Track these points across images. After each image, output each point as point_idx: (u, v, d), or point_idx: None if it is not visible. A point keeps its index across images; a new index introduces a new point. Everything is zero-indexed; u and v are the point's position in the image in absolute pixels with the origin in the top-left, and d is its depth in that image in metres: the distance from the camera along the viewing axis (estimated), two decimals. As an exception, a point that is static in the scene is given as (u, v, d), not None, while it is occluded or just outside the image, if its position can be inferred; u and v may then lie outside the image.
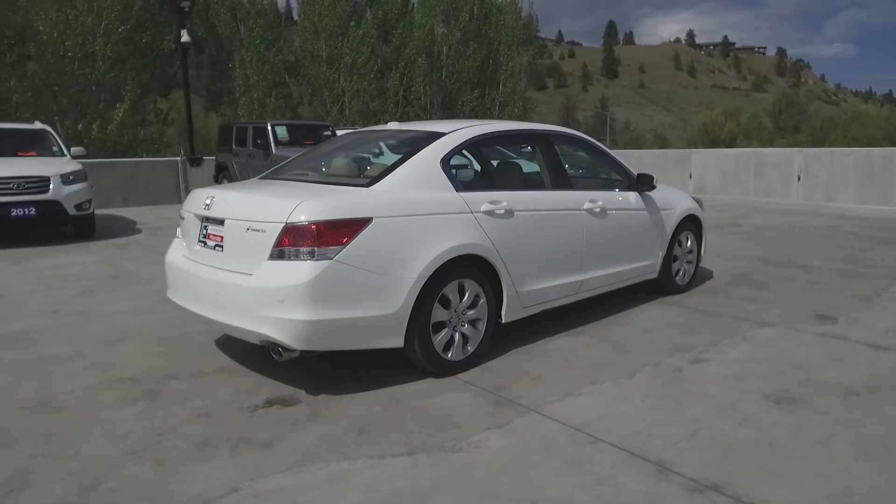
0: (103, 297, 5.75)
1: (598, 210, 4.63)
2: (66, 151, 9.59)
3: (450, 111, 35.69)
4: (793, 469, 2.68)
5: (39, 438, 3.00)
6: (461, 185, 3.84)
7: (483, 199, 3.86)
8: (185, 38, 13.81)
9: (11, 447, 2.91)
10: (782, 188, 14.08)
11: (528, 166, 4.83)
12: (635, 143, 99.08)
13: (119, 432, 3.06)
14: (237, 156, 13.06)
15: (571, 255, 4.46)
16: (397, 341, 3.46)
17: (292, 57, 32.70)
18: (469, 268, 3.77)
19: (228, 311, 3.36)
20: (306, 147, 12.38)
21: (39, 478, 2.65)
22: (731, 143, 70.19)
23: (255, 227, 3.29)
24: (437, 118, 35.45)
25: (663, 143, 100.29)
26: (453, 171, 3.91)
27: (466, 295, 3.77)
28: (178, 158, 14.17)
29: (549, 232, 4.26)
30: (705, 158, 15.92)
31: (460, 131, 4.05)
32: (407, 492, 2.53)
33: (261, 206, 3.35)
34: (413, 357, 3.61)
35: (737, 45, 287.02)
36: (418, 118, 35.64)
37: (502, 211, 3.94)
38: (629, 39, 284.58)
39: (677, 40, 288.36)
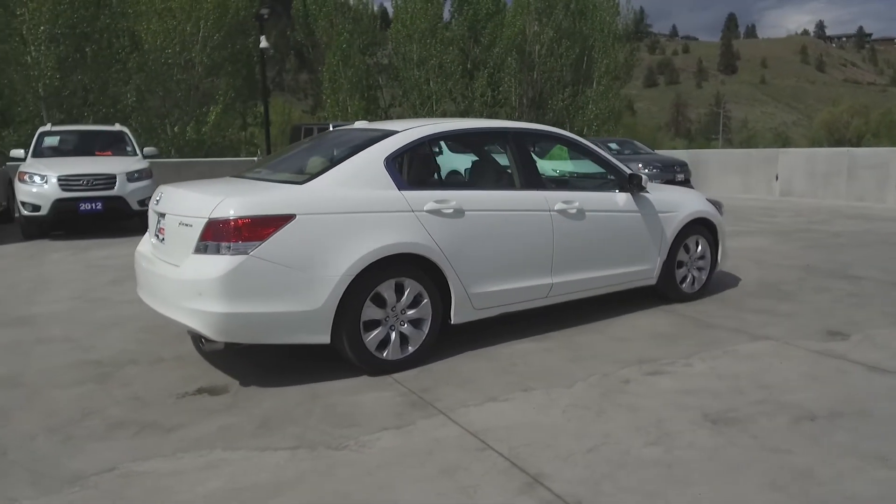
0: (127, 286, 6.19)
1: (573, 211, 4.44)
2: (138, 151, 10.40)
3: (540, 111, 35.28)
4: (675, 494, 2.47)
5: (-15, 410, 3.30)
6: (406, 184, 3.82)
7: (428, 198, 3.81)
8: (263, 44, 14.59)
9: (-43, 416, 3.23)
10: (877, 192, 12.80)
11: (493, 166, 4.70)
12: (752, 143, 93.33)
13: (52, 409, 3.31)
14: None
15: (537, 257, 4.30)
16: (323, 338, 3.50)
17: (386, 60, 33.64)
18: (410, 267, 3.74)
19: (163, 301, 3.55)
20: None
21: (-40, 445, 2.92)
22: (857, 142, 64.43)
23: (185, 221, 3.45)
24: (527, 118, 35.13)
25: (784, 143, 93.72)
26: (403, 169, 3.90)
27: (405, 294, 3.74)
28: (256, 158, 14.96)
29: (508, 233, 4.13)
30: (793, 159, 14.76)
31: (411, 131, 4.02)
32: (264, 485, 2.57)
33: (191, 202, 3.50)
34: (345, 354, 3.64)
35: (873, 37, 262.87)
36: (509, 117, 35.60)
37: (451, 210, 3.87)
38: (751, 33, 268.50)
39: (805, 32, 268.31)
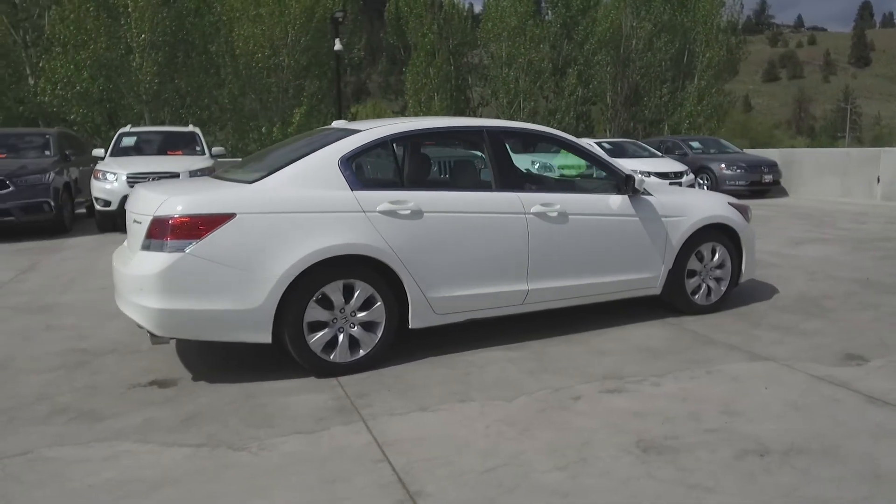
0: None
1: (553, 214, 4.19)
2: (206, 151, 10.98)
3: (635, 108, 34.00)
4: (548, 527, 2.25)
5: (-41, 390, 3.58)
6: (360, 185, 3.75)
7: (382, 199, 3.73)
8: (338, 46, 14.97)
9: (-67, 395, 3.52)
10: None
11: (465, 165, 4.51)
12: (885, 140, 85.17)
13: (15, 392, 3.53)
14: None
15: (510, 262, 4.10)
16: (264, 337, 3.51)
17: (476, 59, 33.66)
18: (360, 268, 3.68)
19: (119, 295, 3.69)
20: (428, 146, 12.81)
21: (-83, 422, 3.17)
22: None
23: (137, 219, 3.57)
24: (621, 116, 33.99)
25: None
26: (359, 169, 3.83)
27: (355, 297, 3.68)
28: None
29: (474, 236, 3.96)
30: (898, 159, 13.29)
31: (372, 131, 3.95)
32: (149, 480, 2.60)
33: (144, 201, 3.61)
34: (290, 355, 3.63)
35: None
36: (601, 115, 34.57)
37: (407, 212, 3.77)
38: (888, 21, 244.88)
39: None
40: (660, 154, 14.99)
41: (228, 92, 20.90)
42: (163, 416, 3.21)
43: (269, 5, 21.00)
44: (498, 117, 31.57)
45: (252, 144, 20.41)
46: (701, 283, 4.94)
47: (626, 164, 13.67)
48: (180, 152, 10.82)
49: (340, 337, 3.69)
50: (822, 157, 15.02)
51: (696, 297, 4.92)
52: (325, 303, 3.63)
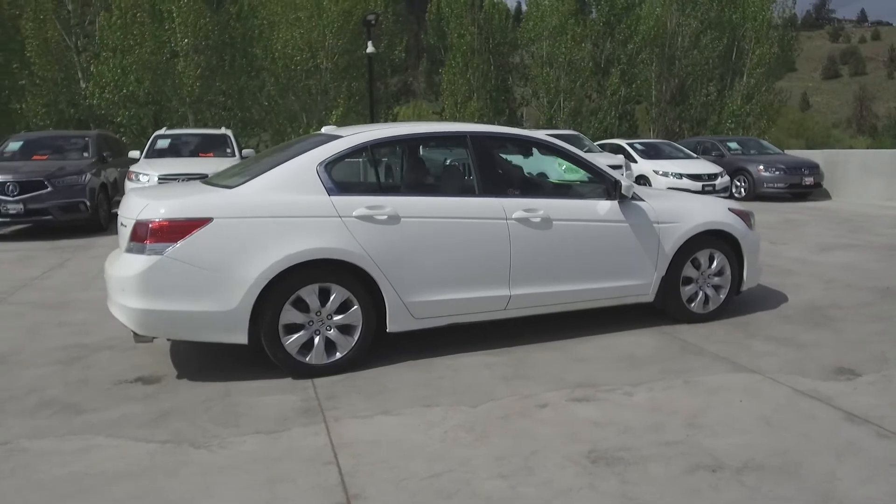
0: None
1: (536, 220, 4.18)
2: (237, 153, 11.28)
3: (680, 107, 33.23)
4: (473, 535, 2.27)
5: (-38, 382, 3.80)
6: (338, 190, 3.83)
7: (359, 204, 3.79)
8: (370, 48, 15.14)
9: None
10: None
11: (447, 171, 4.52)
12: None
13: (10, 384, 3.73)
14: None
15: (491, 267, 4.10)
16: (240, 338, 3.62)
17: (517, 59, 33.50)
18: (336, 272, 3.75)
19: (108, 296, 3.85)
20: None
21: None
22: None
23: (124, 222, 3.72)
24: (667, 115, 33.30)
25: None
26: (338, 175, 3.90)
27: (331, 300, 3.76)
28: (360, 160, 15.59)
29: (453, 241, 3.98)
30: (950, 161, 12.62)
31: (352, 137, 4.02)
32: (110, 473, 2.73)
33: (130, 205, 3.75)
34: (268, 356, 3.73)
35: None
36: (646, 114, 33.91)
37: (384, 217, 3.82)
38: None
39: None
40: (694, 155, 14.64)
41: (268, 94, 21.41)
42: (139, 412, 3.35)
43: (308, 9, 21.40)
44: (538, 117, 31.41)
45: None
46: (698, 290, 4.84)
47: (657, 166, 13.47)
48: (211, 154, 11.15)
49: (317, 339, 3.77)
50: (869, 159, 14.39)
51: (693, 305, 4.82)
52: (301, 305, 3.71)
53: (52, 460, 2.85)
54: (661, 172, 13.35)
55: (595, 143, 14.92)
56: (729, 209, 4.99)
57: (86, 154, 10.48)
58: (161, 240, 3.48)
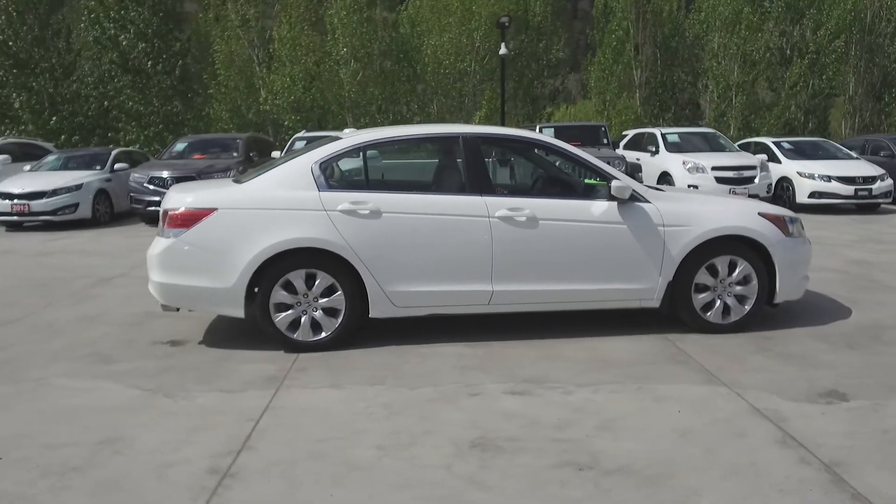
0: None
1: (521, 219, 4.28)
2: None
3: (880, 102, 29.12)
4: (312, 492, 2.59)
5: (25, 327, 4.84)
6: (327, 186, 4.27)
7: (344, 199, 4.20)
8: (503, 50, 15.44)
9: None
10: None
11: (435, 170, 4.70)
12: None
13: (79, 338, 4.67)
14: (522, 155, 14.12)
15: (472, 263, 4.28)
16: (237, 312, 4.21)
17: (686, 52, 31.61)
18: (322, 260, 4.19)
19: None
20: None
21: None
22: None
23: (160, 212, 4.48)
24: (864, 110, 29.44)
25: None
26: (331, 173, 4.34)
27: (316, 284, 4.21)
28: (489, 160, 15.99)
29: (433, 236, 4.23)
30: None
31: (348, 139, 4.43)
32: (95, 407, 3.43)
33: (166, 198, 4.50)
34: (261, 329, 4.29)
35: None
36: (840, 109, 30.24)
37: (366, 211, 4.19)
38: None
39: None
40: (854, 156, 12.97)
41: (418, 98, 22.58)
42: (149, 367, 4.07)
43: (458, 14, 22.20)
44: (708, 113, 29.37)
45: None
46: (715, 299, 4.57)
47: (803, 167, 12.14)
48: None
49: (303, 319, 4.25)
50: None
51: (709, 314, 4.57)
52: (290, 288, 4.21)
53: (63, 394, 3.64)
54: (805, 174, 12.04)
55: (736, 143, 13.81)
56: (760, 213, 4.63)
57: (235, 154, 12.05)
58: (177, 226, 4.17)
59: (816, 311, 5.14)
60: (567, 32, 33.08)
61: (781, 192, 12.50)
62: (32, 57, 20.04)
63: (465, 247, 4.29)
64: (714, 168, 11.72)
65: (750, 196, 11.54)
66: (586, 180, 4.67)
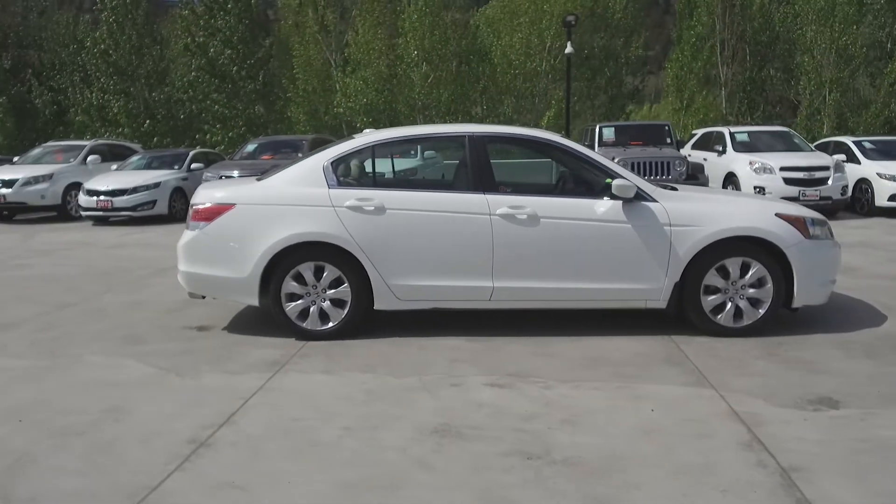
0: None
1: (522, 217, 4.34)
2: (419, 153, 12.51)
3: None
4: (253, 471, 2.81)
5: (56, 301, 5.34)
6: (337, 184, 4.49)
7: (351, 196, 4.41)
8: (568, 49, 15.29)
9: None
10: None
11: (442, 168, 4.78)
12: None
13: (120, 321, 5.13)
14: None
15: (473, 259, 4.38)
16: (252, 300, 4.51)
17: (777, 48, 30.01)
18: (330, 253, 4.42)
19: (181, 263, 5.03)
20: (632, 147, 12.47)
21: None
22: None
23: (190, 206, 4.86)
24: None
25: None
26: (341, 171, 4.56)
27: (324, 276, 4.45)
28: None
29: (435, 232, 4.36)
30: None
31: (360, 138, 4.66)
32: (110, 382, 3.80)
33: (195, 193, 4.85)
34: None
35: None
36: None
37: (371, 208, 4.39)
38: None
39: None
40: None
41: (489, 99, 22.67)
42: (171, 348, 4.44)
43: (529, 14, 22.11)
44: (800, 111, 27.78)
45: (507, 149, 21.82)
46: (726, 301, 4.46)
47: (884, 168, 11.34)
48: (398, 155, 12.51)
49: (312, 308, 4.50)
50: None
51: (720, 317, 4.46)
52: (300, 279, 4.47)
53: (90, 369, 4.04)
54: (886, 176, 11.24)
55: (809, 141, 13.06)
56: (777, 214, 4.47)
57: (300, 154, 12.55)
58: (200, 219, 4.52)
59: (847, 317, 4.90)
60: (658, 29, 32.21)
61: (860, 194, 11.75)
62: (130, 64, 21.67)
63: (466, 243, 4.40)
64: (782, 168, 11.15)
65: (822, 199, 10.98)
66: (607, 180, 4.67)
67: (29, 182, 11.93)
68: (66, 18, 33.51)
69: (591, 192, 4.54)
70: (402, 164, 6.94)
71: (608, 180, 4.46)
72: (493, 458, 2.83)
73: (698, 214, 4.41)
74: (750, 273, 4.43)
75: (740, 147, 12.38)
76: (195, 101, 21.79)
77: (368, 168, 4.70)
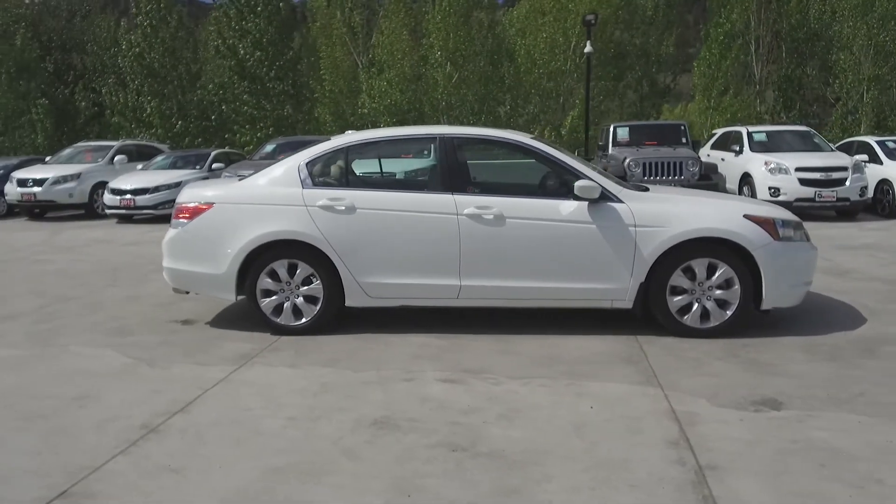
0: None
1: (488, 217, 4.43)
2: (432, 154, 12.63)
3: None
4: (196, 462, 2.97)
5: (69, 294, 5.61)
6: (311, 184, 4.65)
7: (322, 196, 4.56)
8: (588, 48, 15.21)
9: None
10: None
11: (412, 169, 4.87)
12: None
13: (115, 314, 5.38)
14: (600, 156, 13.90)
15: (440, 258, 4.48)
16: (230, 296, 4.71)
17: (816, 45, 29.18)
18: (302, 251, 4.58)
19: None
20: (646, 147, 12.35)
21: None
22: None
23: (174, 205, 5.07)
24: None
25: None
26: (316, 171, 4.71)
27: (297, 273, 4.61)
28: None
29: (403, 231, 4.48)
30: None
31: (335, 140, 4.81)
32: (86, 370, 4.02)
33: (181, 193, 5.06)
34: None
35: None
36: None
37: (342, 207, 4.53)
38: None
39: None
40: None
41: (510, 98, 22.67)
42: (152, 340, 4.65)
43: (553, 12, 22.02)
44: (836, 110, 27.02)
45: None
46: (692, 302, 4.46)
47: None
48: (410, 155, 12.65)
49: (286, 304, 4.66)
50: None
51: (686, 317, 4.47)
52: (274, 276, 4.64)
53: (72, 359, 4.28)
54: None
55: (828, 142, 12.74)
56: (745, 215, 4.46)
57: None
58: (182, 217, 4.74)
59: (825, 319, 4.85)
60: (697, 27, 31.69)
61: (882, 195, 11.44)
62: (164, 66, 22.32)
63: (434, 242, 4.51)
64: (798, 169, 10.91)
65: (839, 200, 10.73)
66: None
67: (58, 181, 12.47)
68: (108, 22, 34.67)
69: (559, 193, 4.59)
70: (414, 164, 7.05)
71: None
72: (420, 449, 2.93)
73: (664, 215, 4.43)
74: (717, 274, 4.43)
75: (757, 147, 12.15)
76: (226, 102, 22.33)
77: (341, 168, 4.84)
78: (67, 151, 14.47)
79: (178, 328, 4.97)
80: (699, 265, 4.43)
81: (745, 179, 11.76)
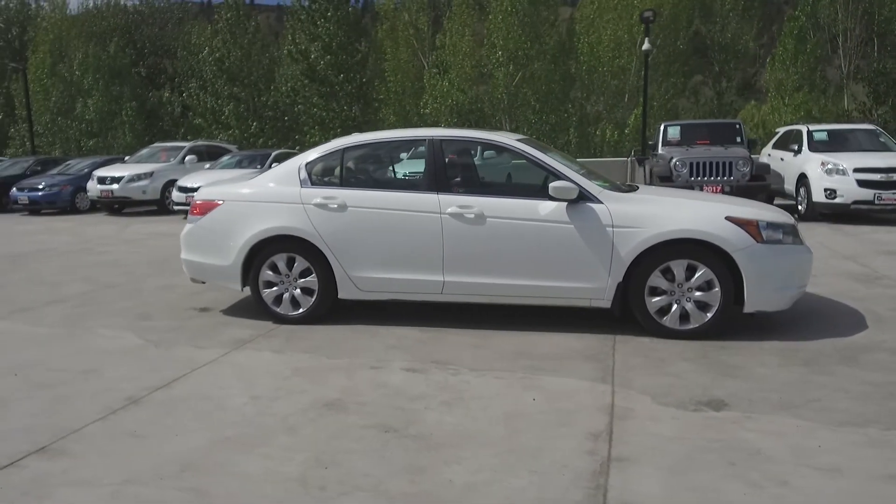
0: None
1: (470, 216, 4.62)
2: (479, 154, 12.83)
3: None
4: (165, 440, 3.33)
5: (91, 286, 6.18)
6: (309, 183, 4.98)
7: (318, 195, 4.89)
8: (646, 46, 14.92)
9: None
10: None
11: (402, 169, 5.06)
12: None
13: (140, 301, 5.93)
14: (651, 156, 13.63)
15: (425, 255, 4.71)
16: (236, 286, 5.12)
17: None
18: (299, 246, 4.92)
19: (192, 250, 5.73)
20: (697, 146, 12.04)
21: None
22: None
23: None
24: None
25: None
26: (315, 171, 5.04)
27: (295, 267, 4.96)
28: (628, 158, 15.59)
29: (390, 229, 4.74)
30: None
31: (334, 142, 5.12)
32: (105, 350, 4.52)
33: (198, 191, 5.53)
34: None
35: None
36: None
37: (335, 205, 4.84)
38: None
39: None
40: None
41: (572, 97, 22.43)
42: (166, 325, 5.13)
43: (618, 10, 21.61)
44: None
45: (593, 147, 21.54)
46: (672, 304, 4.48)
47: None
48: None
49: (285, 295, 5.03)
50: None
51: (665, 318, 4.49)
52: (275, 268, 5.01)
53: (93, 339, 4.80)
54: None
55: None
56: (728, 217, 4.42)
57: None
58: (196, 214, 5.20)
59: (823, 325, 4.74)
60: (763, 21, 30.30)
61: (958, 199, 10.65)
62: (242, 70, 23.60)
63: (419, 240, 4.74)
64: (856, 170, 10.35)
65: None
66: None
67: (133, 179, 13.56)
68: (198, 28, 36.88)
69: (541, 194, 4.71)
70: (414, 164, 7.30)
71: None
72: (355, 429, 3.18)
73: (642, 216, 4.47)
74: (696, 276, 4.42)
75: (817, 146, 11.58)
76: (296, 104, 23.34)
77: (338, 169, 5.15)
78: (145, 151, 15.66)
79: (194, 315, 5.44)
80: (678, 266, 4.44)
81: (802, 180, 11.26)
